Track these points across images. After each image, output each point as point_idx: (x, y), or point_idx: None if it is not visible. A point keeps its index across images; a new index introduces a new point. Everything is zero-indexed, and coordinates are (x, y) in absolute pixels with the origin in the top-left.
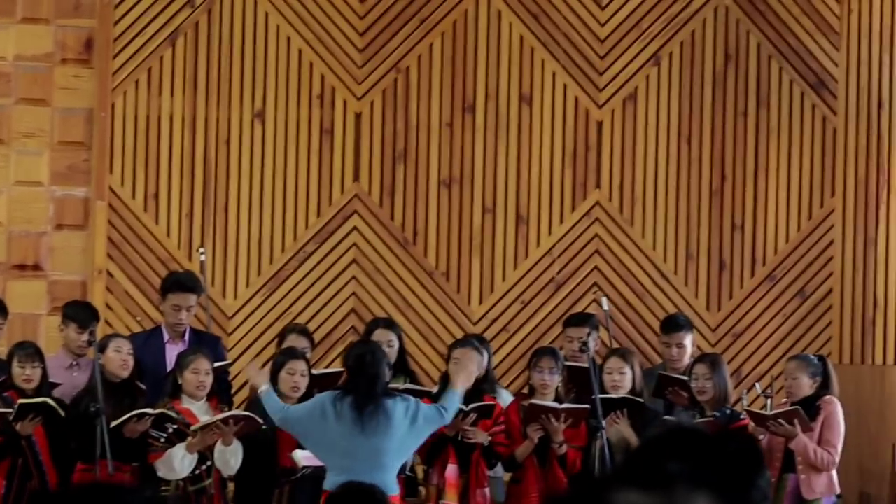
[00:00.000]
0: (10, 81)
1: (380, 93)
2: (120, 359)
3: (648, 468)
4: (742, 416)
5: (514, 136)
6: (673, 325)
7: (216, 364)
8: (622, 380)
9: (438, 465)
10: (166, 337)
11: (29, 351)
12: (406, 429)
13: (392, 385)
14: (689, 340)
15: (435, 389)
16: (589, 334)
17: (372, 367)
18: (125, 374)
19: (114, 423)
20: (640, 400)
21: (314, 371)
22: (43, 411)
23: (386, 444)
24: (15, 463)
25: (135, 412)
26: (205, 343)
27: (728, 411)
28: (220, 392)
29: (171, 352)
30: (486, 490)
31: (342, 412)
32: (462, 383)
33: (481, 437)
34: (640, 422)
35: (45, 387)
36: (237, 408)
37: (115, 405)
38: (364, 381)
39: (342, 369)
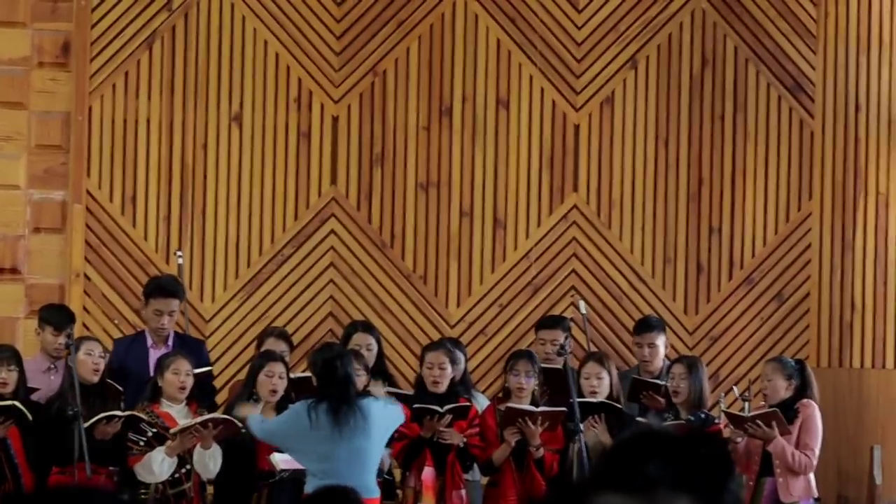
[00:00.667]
0: None
1: (357, 96)
2: (91, 362)
3: (628, 471)
4: (716, 421)
5: (492, 140)
6: (644, 325)
7: (197, 370)
8: (600, 385)
9: (415, 467)
10: (150, 341)
11: (5, 354)
12: (382, 426)
13: (370, 388)
14: (661, 341)
15: (411, 393)
16: (566, 338)
17: (342, 370)
18: (95, 378)
19: (86, 424)
20: (618, 405)
21: (292, 375)
22: (14, 414)
23: (366, 444)
24: None
25: (103, 414)
26: (189, 347)
27: (703, 415)
28: (203, 397)
29: (155, 356)
30: (463, 492)
31: (318, 419)
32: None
33: (457, 438)
34: (617, 427)
35: (22, 390)
36: (217, 410)
37: (88, 407)
38: (337, 385)
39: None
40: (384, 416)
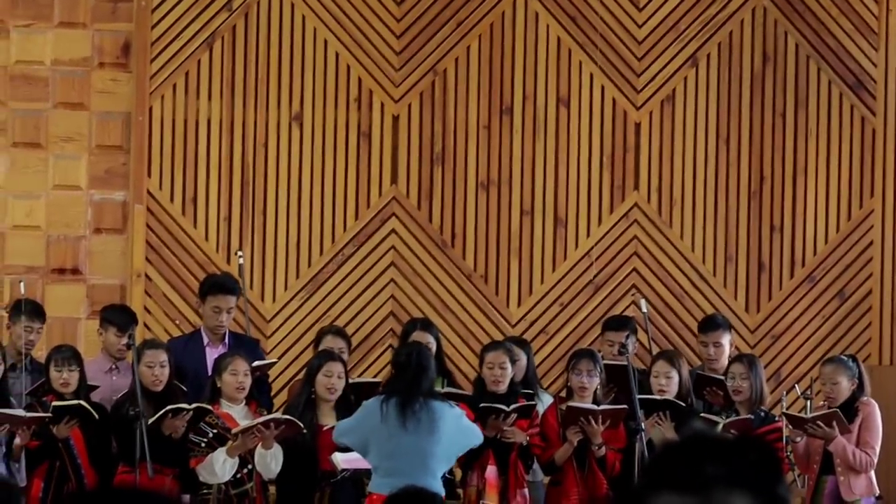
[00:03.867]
0: (47, 86)
1: (417, 95)
2: (151, 374)
3: (684, 471)
4: (776, 419)
5: (552, 138)
6: (711, 324)
7: (257, 363)
8: (669, 384)
9: (477, 466)
10: (206, 340)
11: (66, 354)
12: (452, 435)
13: None
14: (726, 340)
15: (471, 393)
16: (628, 337)
17: (414, 366)
18: (157, 389)
19: (151, 420)
20: (681, 403)
21: (354, 379)
22: (78, 414)
23: (431, 447)
24: (53, 465)
25: (170, 407)
26: (244, 346)
27: (762, 413)
28: (260, 395)
29: (212, 355)
30: (526, 491)
31: (388, 413)
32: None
33: (520, 436)
34: (683, 424)
35: (83, 390)
36: (277, 411)
37: (156, 408)
38: (407, 379)
39: (378, 380)
40: (459, 428)
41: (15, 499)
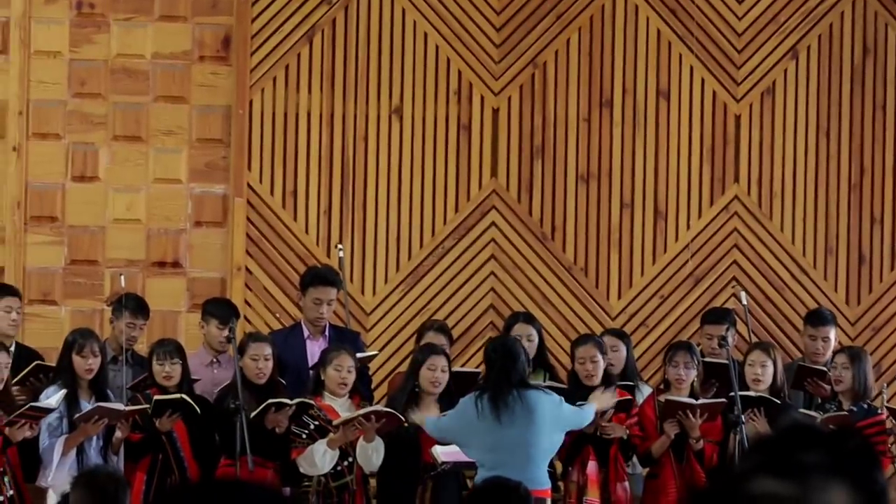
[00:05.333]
0: (148, 79)
1: (517, 88)
2: (256, 367)
3: (784, 458)
4: (879, 411)
5: (652, 131)
6: (820, 318)
7: (362, 355)
8: (763, 373)
9: (578, 462)
10: (306, 333)
11: (169, 348)
12: (551, 422)
13: (532, 381)
14: (833, 334)
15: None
16: (727, 329)
17: (502, 359)
18: (261, 381)
19: (253, 414)
20: (776, 399)
21: (454, 369)
22: (181, 407)
23: (531, 437)
24: (156, 458)
25: (271, 401)
26: (345, 339)
27: (865, 406)
28: (361, 386)
29: (312, 348)
30: (626, 484)
31: (483, 408)
32: (598, 405)
33: (619, 431)
34: (777, 419)
35: (186, 383)
36: (377, 404)
37: (258, 402)
38: (496, 373)
39: (479, 370)
40: (559, 414)
41: (121, 490)
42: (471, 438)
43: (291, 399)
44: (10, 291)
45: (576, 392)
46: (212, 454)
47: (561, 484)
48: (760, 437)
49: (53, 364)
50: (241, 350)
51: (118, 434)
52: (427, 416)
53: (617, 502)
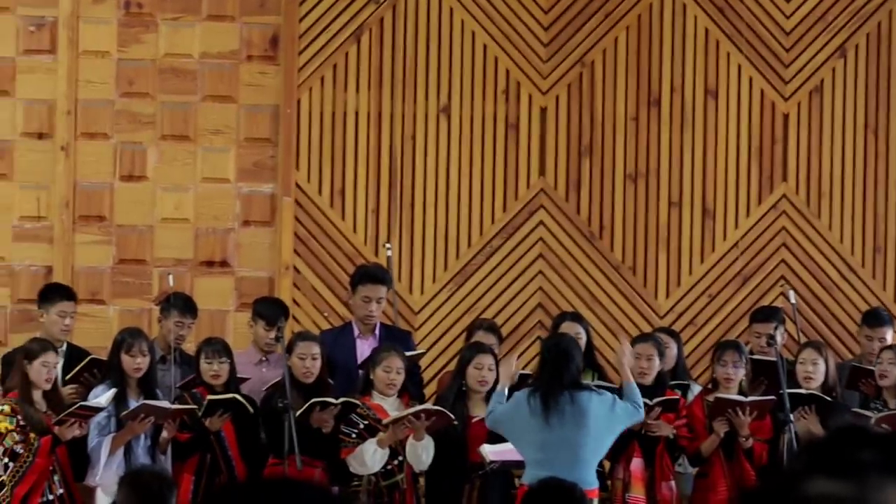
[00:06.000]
0: (196, 79)
1: (565, 87)
2: (303, 366)
3: (839, 457)
4: None
5: (700, 130)
6: (878, 319)
7: (409, 353)
8: (815, 371)
9: (623, 459)
10: (356, 332)
11: (216, 347)
12: (603, 422)
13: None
14: (890, 335)
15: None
16: (776, 328)
17: (555, 359)
18: (308, 381)
19: (298, 413)
20: (827, 397)
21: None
22: (232, 407)
23: (581, 437)
24: (204, 459)
25: (316, 400)
26: (395, 338)
27: None
28: (411, 386)
29: (362, 347)
30: (672, 483)
31: (535, 406)
32: (629, 377)
33: (666, 430)
34: (829, 418)
35: (233, 382)
36: (426, 402)
37: (306, 401)
38: (548, 373)
39: (528, 372)
40: (610, 413)
41: (167, 489)
42: (521, 433)
43: (337, 398)
44: (64, 295)
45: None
46: (258, 454)
47: (608, 482)
48: (812, 438)
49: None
50: (289, 349)
51: (165, 434)
52: (484, 446)
53: (662, 501)
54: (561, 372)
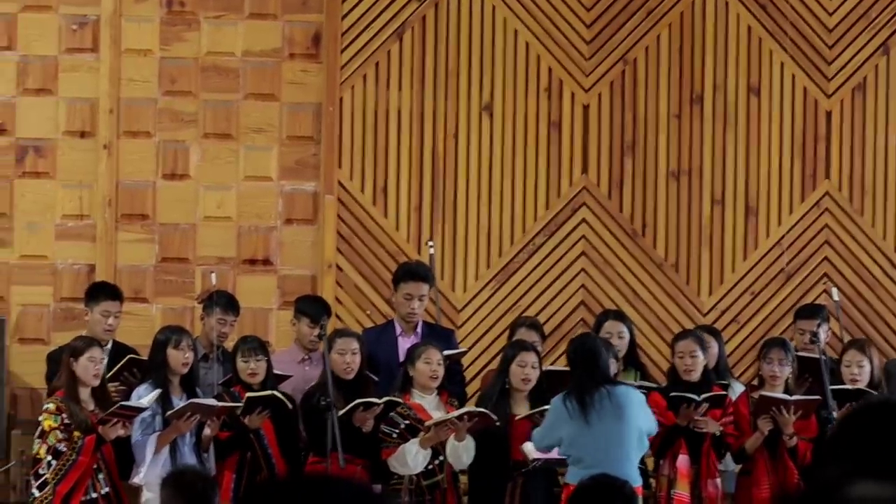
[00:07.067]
0: (238, 77)
1: (607, 85)
2: (343, 362)
3: (881, 460)
4: None
5: (743, 127)
6: None
7: (448, 352)
8: (861, 373)
9: (669, 455)
10: (399, 330)
11: (252, 345)
12: (640, 416)
13: (623, 379)
14: None
15: (664, 384)
16: (819, 325)
17: (582, 358)
18: (349, 377)
19: (341, 412)
20: (875, 392)
21: (547, 367)
22: (271, 404)
23: (622, 430)
24: (244, 456)
25: (359, 401)
26: (438, 336)
27: None
28: (452, 384)
29: (404, 345)
30: (718, 480)
31: (572, 408)
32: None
33: (713, 426)
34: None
35: (270, 380)
36: (469, 400)
37: (346, 399)
38: (581, 372)
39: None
40: (644, 409)
41: (210, 489)
42: (565, 437)
43: (379, 396)
44: (110, 294)
45: (674, 387)
46: (297, 452)
47: (652, 480)
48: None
49: (146, 358)
50: (329, 346)
51: (207, 432)
52: (527, 444)
53: (707, 498)
54: (591, 370)
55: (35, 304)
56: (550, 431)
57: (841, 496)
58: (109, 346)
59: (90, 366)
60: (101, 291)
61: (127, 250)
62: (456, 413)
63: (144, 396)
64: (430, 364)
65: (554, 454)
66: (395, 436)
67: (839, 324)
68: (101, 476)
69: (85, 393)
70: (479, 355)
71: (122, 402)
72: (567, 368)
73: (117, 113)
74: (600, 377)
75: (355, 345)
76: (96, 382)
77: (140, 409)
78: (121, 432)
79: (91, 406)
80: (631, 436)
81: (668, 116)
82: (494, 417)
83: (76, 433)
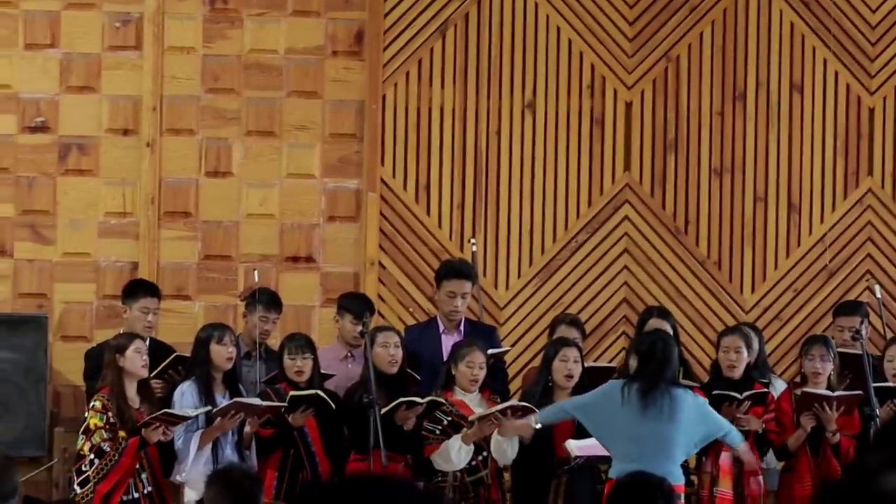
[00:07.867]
0: (281, 74)
1: (650, 82)
2: (387, 354)
3: None
4: None
5: (786, 124)
6: None
7: (491, 351)
8: None
9: (711, 453)
10: (441, 328)
11: (300, 343)
12: (693, 422)
13: None
14: None
15: (706, 380)
16: (861, 322)
17: (660, 356)
18: (393, 370)
19: (383, 411)
20: None
21: (589, 364)
22: (314, 403)
23: (673, 433)
24: (287, 454)
25: (402, 399)
26: (480, 334)
27: None
28: (495, 382)
29: (447, 342)
30: (760, 478)
31: (629, 397)
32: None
33: (755, 424)
34: None
35: (317, 378)
36: (511, 398)
37: (388, 396)
38: (653, 366)
39: (613, 365)
40: (701, 416)
41: (257, 487)
42: (607, 423)
43: (422, 393)
44: (148, 291)
45: (716, 383)
46: (341, 450)
47: (694, 478)
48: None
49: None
50: (371, 342)
51: (247, 429)
52: (570, 441)
53: (750, 496)
54: (664, 368)
55: (78, 301)
56: (591, 405)
57: (877, 488)
58: (147, 343)
59: (137, 357)
60: (139, 288)
61: (170, 248)
62: (499, 407)
63: (187, 392)
64: (473, 368)
65: (597, 451)
66: (437, 433)
67: (881, 321)
68: (143, 475)
69: (132, 390)
70: (522, 353)
71: (168, 410)
72: (610, 365)
73: (160, 110)
74: (669, 377)
75: (397, 338)
76: (145, 373)
77: (185, 418)
78: (161, 438)
79: (137, 404)
80: (680, 438)
81: (711, 113)
82: (536, 411)
83: (121, 433)
